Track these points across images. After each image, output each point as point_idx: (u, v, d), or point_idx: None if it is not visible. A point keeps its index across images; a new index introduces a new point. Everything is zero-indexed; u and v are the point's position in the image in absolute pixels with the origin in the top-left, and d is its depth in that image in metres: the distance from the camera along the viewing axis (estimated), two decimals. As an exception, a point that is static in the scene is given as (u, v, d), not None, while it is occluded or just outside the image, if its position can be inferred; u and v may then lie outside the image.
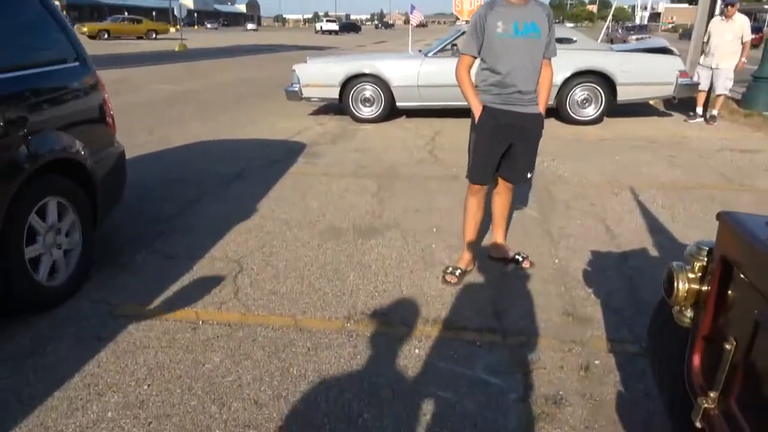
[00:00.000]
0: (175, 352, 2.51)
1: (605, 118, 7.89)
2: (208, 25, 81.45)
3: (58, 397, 2.21)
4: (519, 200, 4.35)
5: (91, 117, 3.35)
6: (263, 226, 4.03)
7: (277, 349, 2.53)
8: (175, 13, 23.94)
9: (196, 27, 76.36)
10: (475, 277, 3.24)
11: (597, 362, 2.42)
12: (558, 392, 2.23)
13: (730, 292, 1.38)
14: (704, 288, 1.45)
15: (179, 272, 3.28)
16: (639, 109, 8.66)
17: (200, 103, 9.89)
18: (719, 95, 7.86)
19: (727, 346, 1.27)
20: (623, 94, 7.71)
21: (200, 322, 2.76)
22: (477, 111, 3.02)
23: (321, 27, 66.58)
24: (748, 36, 7.60)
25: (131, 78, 13.60)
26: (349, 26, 70.85)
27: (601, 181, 5.13)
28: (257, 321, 2.77)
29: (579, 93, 7.72)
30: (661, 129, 7.64)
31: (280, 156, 6.07)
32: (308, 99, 8.34)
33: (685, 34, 41.81)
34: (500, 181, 3.25)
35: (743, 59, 7.64)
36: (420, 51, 8.88)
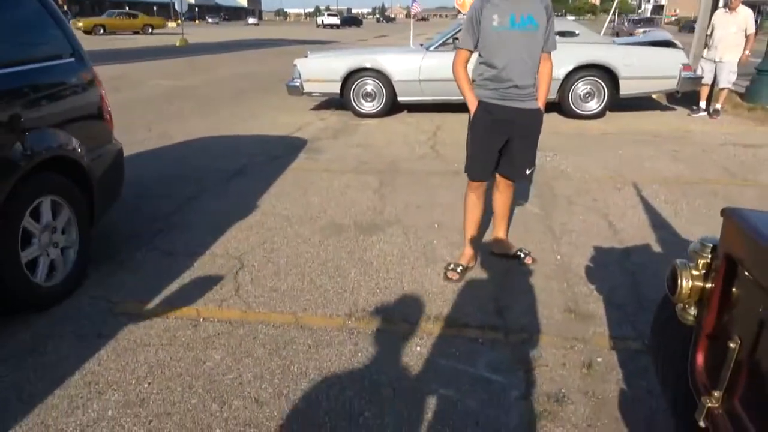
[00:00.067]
0: (175, 350, 2.50)
1: (608, 113, 7.85)
2: (209, 20, 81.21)
3: (59, 396, 2.21)
4: (520, 196, 4.33)
5: (88, 114, 3.31)
6: (264, 222, 4.02)
7: (278, 346, 2.52)
8: (176, 7, 23.82)
9: (197, 21, 76.18)
10: (477, 273, 3.22)
11: (599, 359, 2.41)
12: (560, 390, 2.22)
13: (734, 289, 1.36)
14: (708, 285, 1.43)
15: (179, 269, 3.27)
16: (642, 103, 8.62)
17: (200, 99, 9.87)
18: (723, 89, 7.81)
19: (732, 345, 1.25)
20: (626, 88, 7.66)
21: (201, 320, 2.75)
22: (472, 106, 2.99)
23: (322, 21, 66.52)
24: (752, 28, 7.54)
25: (131, 73, 13.57)
26: (351, 20, 70.70)
27: (603, 176, 5.10)
28: (258, 318, 2.76)
29: (581, 87, 7.68)
30: (664, 123, 7.60)
31: (281, 151, 6.05)
32: (309, 94, 8.32)
33: (685, 26, 41.53)
34: (499, 177, 3.22)
35: (747, 52, 7.59)
36: (421, 45, 8.83)
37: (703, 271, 1.46)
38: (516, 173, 3.15)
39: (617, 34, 22.89)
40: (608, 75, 7.58)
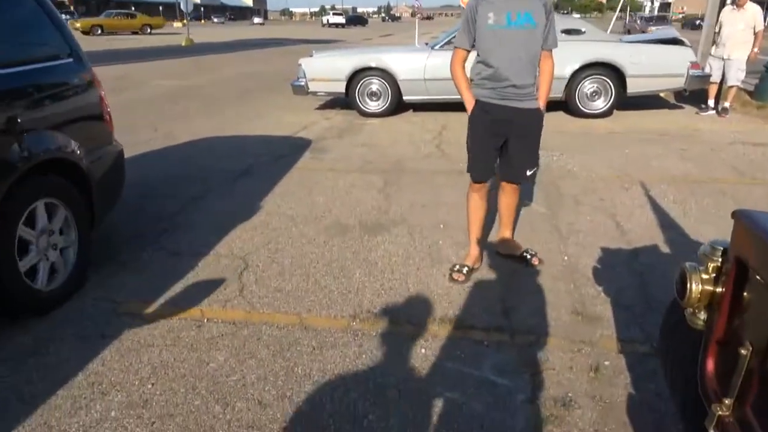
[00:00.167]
0: (179, 351, 2.49)
1: (615, 111, 7.79)
2: (215, 20, 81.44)
3: (62, 396, 2.20)
4: (526, 195, 4.30)
5: (86, 115, 3.25)
6: (269, 222, 4.01)
7: (282, 348, 2.51)
8: (182, 7, 23.87)
9: (203, 21, 76.38)
10: (483, 274, 3.19)
11: (607, 363, 2.38)
12: (567, 394, 2.19)
13: (745, 294, 1.33)
14: (718, 289, 1.40)
15: (184, 269, 3.26)
16: (649, 101, 8.55)
17: (206, 98, 9.88)
18: (731, 87, 7.74)
19: (743, 351, 1.22)
20: (633, 87, 7.60)
21: (205, 320, 2.74)
22: (469, 105, 2.96)
23: (327, 20, 66.61)
24: (761, 25, 7.46)
25: (137, 73, 13.61)
26: (356, 19, 70.65)
27: (610, 175, 5.06)
28: (262, 319, 2.75)
29: (588, 85, 7.62)
30: (671, 122, 7.54)
31: (286, 151, 6.04)
32: (314, 93, 8.30)
33: (687, 23, 41.12)
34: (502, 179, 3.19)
35: (755, 49, 7.51)
36: (427, 44, 8.81)
37: (713, 275, 1.43)
38: (515, 174, 3.10)
39: (629, 32, 22.67)
40: (615, 73, 7.52)
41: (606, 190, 4.61)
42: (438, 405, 2.14)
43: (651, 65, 7.53)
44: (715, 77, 7.76)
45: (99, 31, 33.33)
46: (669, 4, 63.15)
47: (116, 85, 11.03)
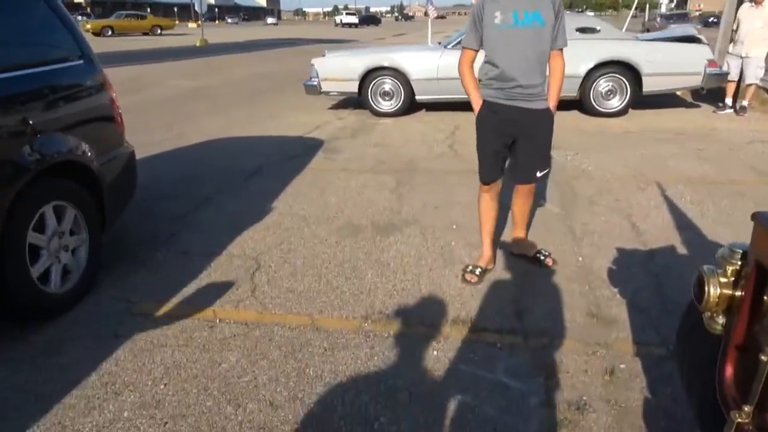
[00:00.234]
0: (192, 351, 2.50)
1: (630, 110, 7.71)
2: (229, 20, 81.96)
3: (76, 396, 2.22)
4: (540, 196, 4.26)
5: (97, 117, 3.25)
6: (281, 222, 4.01)
7: (294, 349, 2.50)
8: (196, 8, 24.05)
9: (217, 22, 76.90)
10: (496, 275, 3.17)
11: (622, 366, 2.34)
12: (581, 397, 2.16)
13: (766, 298, 1.29)
14: (738, 293, 1.37)
15: (197, 269, 3.27)
16: (665, 100, 8.45)
17: (219, 99, 9.93)
18: (749, 85, 7.61)
19: (764, 358, 1.19)
20: (649, 85, 7.51)
21: (217, 321, 2.75)
22: (476, 106, 2.94)
23: (341, 20, 66.72)
24: (780, 23, 7.33)
25: (151, 74, 13.73)
26: (369, 19, 70.78)
27: (626, 175, 5.00)
28: (274, 320, 2.75)
29: (603, 84, 7.54)
30: (688, 121, 7.44)
31: (298, 151, 6.05)
32: (327, 93, 8.32)
33: (701, 21, 40.39)
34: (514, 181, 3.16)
35: (775, 47, 7.39)
36: (439, 43, 8.76)
37: (732, 279, 1.39)
38: (524, 176, 3.06)
39: (647, 31, 22.34)
40: (630, 72, 7.43)
41: (621, 191, 4.56)
42: (450, 408, 2.12)
43: (667, 63, 7.43)
44: (733, 75, 7.64)
45: (109, 33, 33.52)
46: (685, 1, 62.40)
47: (131, 86, 11.14)
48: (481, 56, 2.98)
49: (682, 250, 3.45)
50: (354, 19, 65.57)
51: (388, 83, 7.92)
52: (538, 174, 3.02)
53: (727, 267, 1.42)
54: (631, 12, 14.89)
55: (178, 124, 7.65)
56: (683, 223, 3.85)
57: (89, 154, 2.98)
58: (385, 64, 7.85)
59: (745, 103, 7.73)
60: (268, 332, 2.64)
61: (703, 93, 8.26)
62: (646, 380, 2.25)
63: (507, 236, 3.56)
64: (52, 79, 2.97)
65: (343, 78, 8.04)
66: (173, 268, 3.30)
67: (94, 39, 26.26)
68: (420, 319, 2.73)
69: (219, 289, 3.04)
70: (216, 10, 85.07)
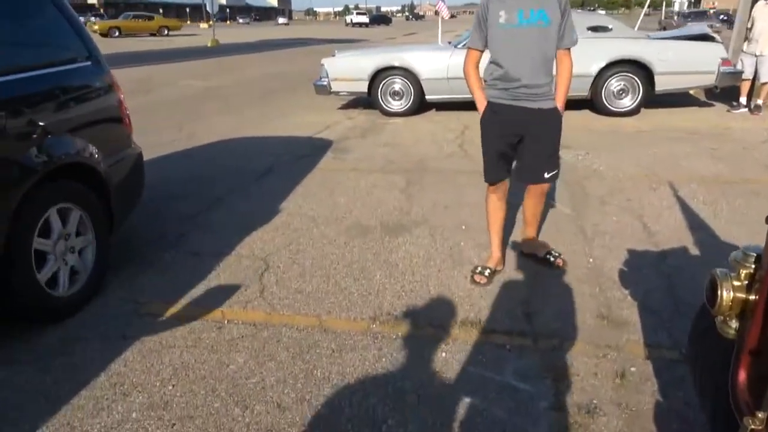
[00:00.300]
0: (200, 352, 2.50)
1: (642, 109, 7.63)
2: (240, 20, 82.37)
3: (85, 397, 2.22)
4: (550, 195, 4.23)
5: (105, 118, 3.24)
6: (290, 223, 4.01)
7: (302, 350, 2.50)
8: (207, 8, 24.19)
9: (228, 22, 77.30)
10: (506, 276, 3.14)
11: (633, 369, 2.31)
12: (591, 401, 2.13)
13: (781, 303, 1.26)
14: (751, 298, 1.34)
15: (205, 270, 3.28)
16: (678, 99, 8.35)
17: (230, 99, 9.97)
18: (764, 83, 7.50)
19: (778, 363, 1.17)
20: (661, 84, 7.43)
21: (225, 322, 2.75)
22: (480, 106, 2.92)
23: (351, 20, 66.80)
24: (796, 20, 7.22)
25: (163, 74, 13.82)
26: (380, 18, 70.82)
27: (638, 175, 4.95)
28: (282, 321, 2.74)
29: (615, 83, 7.47)
30: (702, 120, 7.35)
31: (308, 151, 6.05)
32: (337, 93, 8.32)
33: (719, 19, 39.74)
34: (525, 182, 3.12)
35: (790, 46, 7.28)
36: (449, 42, 8.73)
37: (746, 282, 1.37)
38: (531, 177, 3.01)
39: (664, 29, 22.02)
40: (643, 70, 7.36)
41: (633, 191, 4.51)
42: (458, 411, 2.10)
43: (680, 62, 7.35)
44: (748, 74, 7.54)
45: (117, 33, 33.58)
46: (699, 0, 61.73)
47: (143, 86, 11.22)
48: (486, 56, 2.95)
49: (694, 251, 3.41)
50: (364, 19, 65.64)
51: (398, 83, 7.91)
52: (546, 175, 2.97)
53: (741, 270, 1.39)
54: (644, 10, 14.69)
55: (189, 124, 7.69)
56: (696, 224, 3.80)
57: (96, 155, 2.98)
58: (395, 63, 7.83)
59: (759, 101, 7.63)
60: (276, 333, 2.63)
61: (717, 92, 8.15)
62: (658, 383, 2.22)
63: (517, 237, 3.53)
64: (60, 80, 2.96)
65: (353, 78, 8.03)
66: (182, 269, 3.31)
67: (101, 40, 26.49)
68: (428, 321, 2.71)
69: (227, 290, 3.05)
70: (227, 10, 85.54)
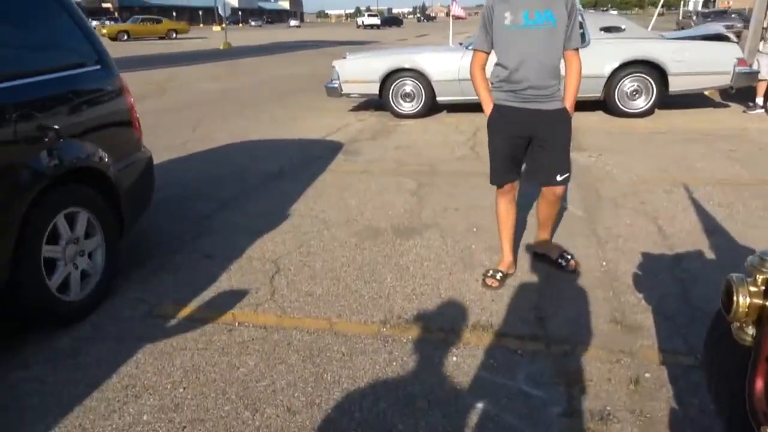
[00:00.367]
0: (211, 355, 2.51)
1: (656, 110, 7.55)
2: (252, 23, 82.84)
3: (97, 399, 2.23)
4: (563, 198, 4.17)
5: (114, 122, 3.23)
6: (301, 225, 4.01)
7: (312, 353, 2.49)
8: (220, 11, 24.37)
9: (240, 25, 77.77)
10: (518, 279, 3.11)
11: (648, 375, 2.27)
12: (605, 407, 2.10)
13: (799, 309, 1.24)
14: (769, 304, 1.31)
15: (217, 272, 3.29)
16: (693, 99, 8.25)
17: (242, 101, 10.02)
18: (781, 84, 7.40)
19: (797, 372, 1.14)
20: (676, 85, 7.34)
21: (236, 324, 2.75)
22: (487, 109, 2.89)
23: (363, 22, 66.91)
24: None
25: (177, 77, 13.93)
26: (391, 20, 70.87)
27: (652, 177, 4.89)
28: (293, 324, 2.74)
29: (628, 84, 7.39)
30: (717, 121, 7.26)
31: (319, 153, 6.06)
32: (348, 95, 8.32)
33: (741, 18, 39.15)
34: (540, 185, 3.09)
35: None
36: (461, 44, 8.70)
37: (763, 288, 1.34)
38: (543, 179, 2.98)
39: (682, 29, 21.73)
40: (656, 71, 7.28)
41: (647, 193, 4.46)
42: (469, 416, 2.08)
43: (695, 62, 7.26)
44: (764, 74, 7.43)
45: (125, 37, 33.46)
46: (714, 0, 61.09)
47: (156, 89, 11.31)
48: (493, 58, 2.93)
49: (710, 255, 3.36)
50: (376, 21, 65.70)
51: (409, 85, 7.90)
52: (559, 178, 2.93)
53: (757, 276, 1.35)
54: (657, 10, 14.53)
55: (202, 126, 7.73)
56: (711, 227, 3.75)
57: (106, 159, 2.98)
58: (406, 65, 7.82)
59: (776, 102, 7.52)
60: (287, 336, 2.63)
61: (732, 92, 8.05)
62: (673, 390, 2.19)
63: (529, 240, 3.50)
64: (70, 84, 2.96)
65: (364, 80, 8.03)
66: (193, 271, 3.33)
67: (111, 44, 26.73)
68: (439, 324, 2.70)
69: (238, 293, 3.05)
70: (240, 13, 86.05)
